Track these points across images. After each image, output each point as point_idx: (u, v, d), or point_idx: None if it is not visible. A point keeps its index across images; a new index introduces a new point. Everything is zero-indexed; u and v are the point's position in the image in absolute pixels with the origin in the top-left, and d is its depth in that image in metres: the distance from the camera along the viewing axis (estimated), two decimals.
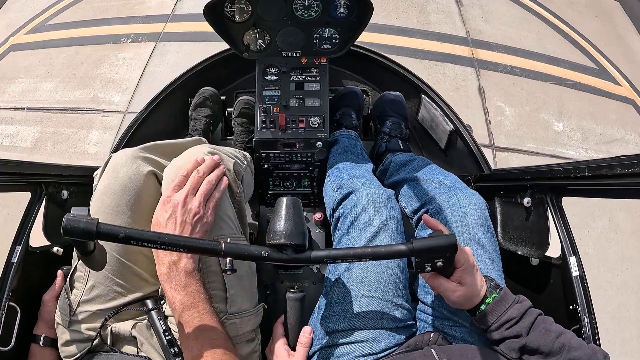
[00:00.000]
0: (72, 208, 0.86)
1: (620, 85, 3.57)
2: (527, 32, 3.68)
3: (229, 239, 0.98)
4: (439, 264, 0.98)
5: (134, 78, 3.15)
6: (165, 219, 1.07)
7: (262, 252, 0.99)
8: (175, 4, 3.57)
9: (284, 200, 1.08)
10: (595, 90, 3.46)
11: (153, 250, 1.09)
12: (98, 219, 0.84)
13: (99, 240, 0.91)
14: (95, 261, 0.96)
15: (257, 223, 1.86)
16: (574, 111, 3.28)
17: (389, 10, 3.75)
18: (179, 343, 1.09)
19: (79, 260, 1.17)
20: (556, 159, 3.02)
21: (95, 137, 3.05)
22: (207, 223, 1.10)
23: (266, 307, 1.27)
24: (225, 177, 1.20)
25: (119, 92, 3.14)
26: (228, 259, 0.94)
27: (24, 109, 3.19)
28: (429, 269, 0.99)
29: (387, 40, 3.53)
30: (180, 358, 1.07)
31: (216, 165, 1.18)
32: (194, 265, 1.04)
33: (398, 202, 1.47)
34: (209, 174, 1.15)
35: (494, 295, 1.01)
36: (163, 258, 1.04)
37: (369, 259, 1.00)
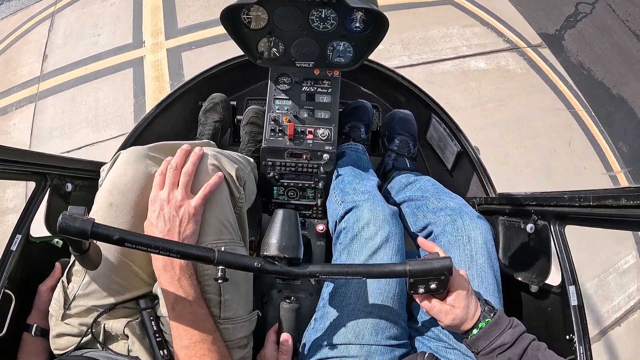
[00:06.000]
0: (70, 207, 0.87)
1: None
2: None
3: (223, 248, 0.99)
4: (433, 286, 0.98)
5: (25, 137, 3.60)
6: (155, 218, 1.10)
7: (255, 263, 1.00)
8: (42, 65, 3.95)
9: (280, 212, 1.09)
10: (415, 5, 3.88)
11: None
12: (94, 219, 0.85)
13: (94, 240, 0.92)
14: (89, 260, 0.97)
15: (259, 230, 1.85)
16: (391, 28, 3.57)
17: None
18: (170, 344, 1.09)
19: None
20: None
21: (9, 194, 3.33)
22: (195, 212, 1.10)
23: (260, 314, 1.26)
24: (220, 173, 1.21)
25: None
26: (220, 267, 0.95)
27: None
28: (422, 290, 0.99)
29: None
30: None
31: (186, 153, 1.19)
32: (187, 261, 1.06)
33: (402, 220, 1.46)
34: (184, 164, 1.17)
35: (487, 320, 1.01)
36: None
37: (363, 277, 1.00)
